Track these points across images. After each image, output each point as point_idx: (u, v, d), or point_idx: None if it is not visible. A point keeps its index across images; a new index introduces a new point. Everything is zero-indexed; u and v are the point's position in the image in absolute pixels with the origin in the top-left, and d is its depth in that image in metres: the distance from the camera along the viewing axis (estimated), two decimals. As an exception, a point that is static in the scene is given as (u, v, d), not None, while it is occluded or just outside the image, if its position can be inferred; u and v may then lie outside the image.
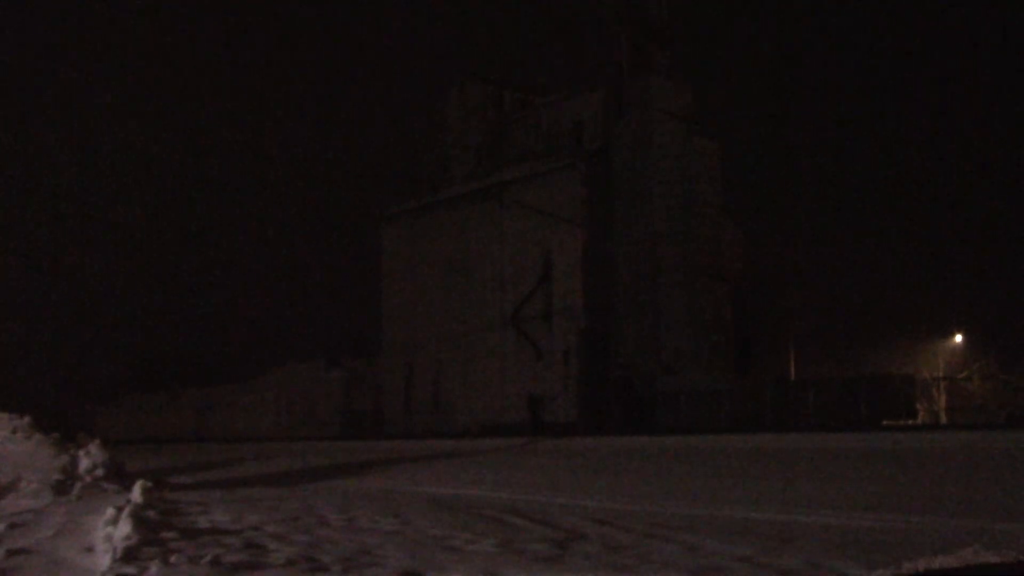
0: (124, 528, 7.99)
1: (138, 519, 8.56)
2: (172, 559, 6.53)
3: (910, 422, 37.40)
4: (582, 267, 48.35)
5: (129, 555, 6.70)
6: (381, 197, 67.63)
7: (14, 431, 16.78)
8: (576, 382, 47.84)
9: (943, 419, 42.34)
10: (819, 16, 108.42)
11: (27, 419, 17.18)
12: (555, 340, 48.93)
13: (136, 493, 11.32)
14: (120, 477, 15.11)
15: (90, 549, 7.77)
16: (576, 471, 19.02)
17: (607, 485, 14.86)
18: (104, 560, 6.83)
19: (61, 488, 13.83)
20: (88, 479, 14.65)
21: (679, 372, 43.89)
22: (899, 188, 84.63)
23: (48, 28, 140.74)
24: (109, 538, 7.88)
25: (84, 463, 15.24)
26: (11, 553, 7.54)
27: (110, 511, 9.56)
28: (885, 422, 36.45)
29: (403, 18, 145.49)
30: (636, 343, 46.04)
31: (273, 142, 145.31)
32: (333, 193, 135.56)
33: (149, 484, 12.16)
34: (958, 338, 47.48)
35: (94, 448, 15.76)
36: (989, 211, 76.41)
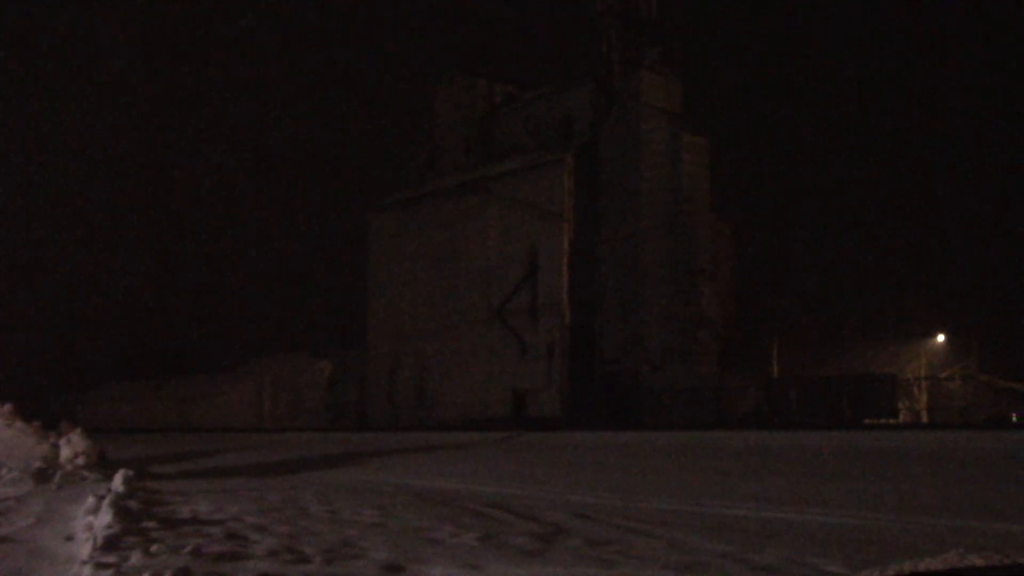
0: (105, 517, 7.96)
1: (119, 508, 8.53)
2: (153, 549, 6.50)
3: (891, 421, 37.64)
4: (568, 262, 48.38)
5: (110, 544, 6.67)
6: (369, 188, 67.63)
7: (-5, 418, 16.67)
8: (561, 377, 47.90)
9: (924, 419, 42.60)
10: (810, 14, 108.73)
11: (8, 407, 17.07)
12: (540, 335, 48.96)
13: (117, 482, 11.27)
14: (102, 466, 15.05)
15: (70, 538, 7.74)
16: (560, 466, 19.05)
17: (591, 480, 14.89)
18: (85, 549, 6.79)
19: (42, 476, 13.77)
20: (69, 468, 14.59)
21: (664, 368, 44.00)
22: (886, 188, 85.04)
23: (36, 21, 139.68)
24: (90, 527, 7.85)
25: (65, 451, 15.18)
26: (-10, 541, 7.50)
27: (91, 500, 9.52)
28: (867, 421, 36.68)
29: (393, 9, 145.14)
30: (621, 339, 46.12)
31: (260, 132, 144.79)
32: (320, 183, 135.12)
33: (131, 473, 12.11)
34: (940, 338, 47.76)
35: (76, 436, 15.69)
36: (974, 212, 76.88)
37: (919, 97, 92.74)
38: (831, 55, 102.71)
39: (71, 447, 15.23)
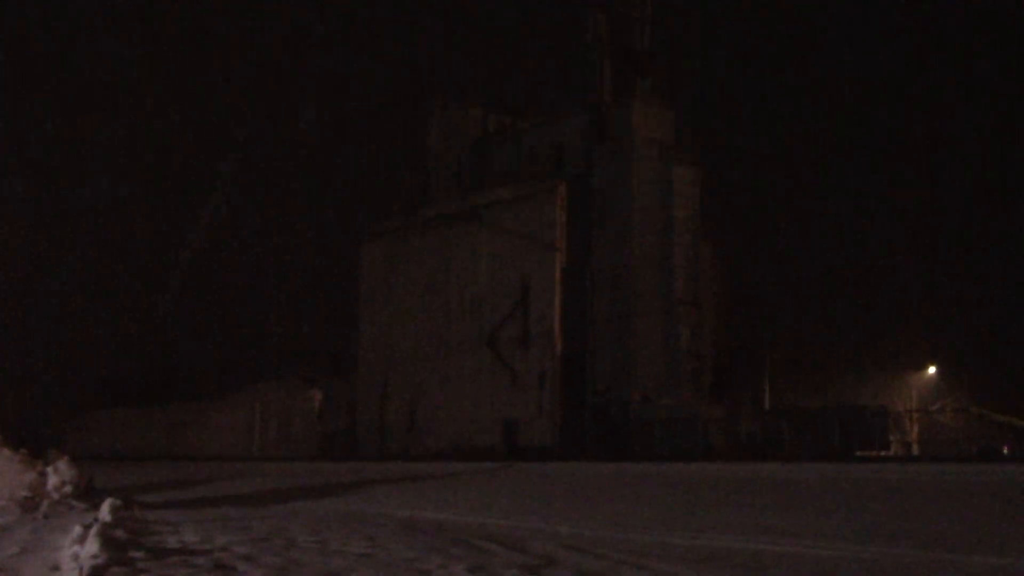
0: (91, 547, 7.89)
1: (106, 538, 8.46)
2: (140, 579, 6.45)
3: (883, 453, 37.60)
4: (559, 291, 48.41)
5: (96, 574, 6.61)
6: (361, 215, 67.70)
7: (-18, 446, 16.53)
8: (552, 406, 47.77)
9: (915, 451, 42.58)
10: (801, 48, 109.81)
11: (-5, 434, 16.94)
12: (531, 364, 48.88)
13: (105, 511, 11.19)
14: (89, 494, 14.94)
15: (56, 567, 7.67)
16: (550, 496, 18.97)
17: (581, 511, 14.82)
18: (70, 579, 6.73)
19: (28, 505, 13.66)
20: (56, 496, 14.48)
21: (655, 398, 43.94)
22: (879, 219, 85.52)
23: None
24: (76, 557, 7.78)
25: (52, 480, 15.06)
26: (-25, 570, 7.42)
27: (77, 529, 9.44)
28: (858, 453, 36.63)
29: (387, 36, 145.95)
30: (612, 369, 46.08)
31: (252, 158, 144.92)
32: (312, 210, 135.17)
33: (118, 502, 12.03)
34: (931, 370, 47.86)
35: (63, 465, 15.57)
36: (966, 244, 77.26)
37: (913, 125, 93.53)
38: (823, 89, 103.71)
39: (58, 475, 15.11)
